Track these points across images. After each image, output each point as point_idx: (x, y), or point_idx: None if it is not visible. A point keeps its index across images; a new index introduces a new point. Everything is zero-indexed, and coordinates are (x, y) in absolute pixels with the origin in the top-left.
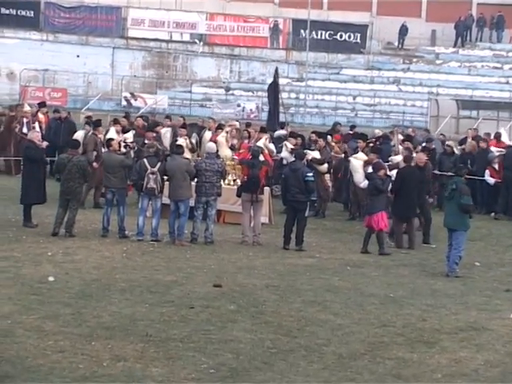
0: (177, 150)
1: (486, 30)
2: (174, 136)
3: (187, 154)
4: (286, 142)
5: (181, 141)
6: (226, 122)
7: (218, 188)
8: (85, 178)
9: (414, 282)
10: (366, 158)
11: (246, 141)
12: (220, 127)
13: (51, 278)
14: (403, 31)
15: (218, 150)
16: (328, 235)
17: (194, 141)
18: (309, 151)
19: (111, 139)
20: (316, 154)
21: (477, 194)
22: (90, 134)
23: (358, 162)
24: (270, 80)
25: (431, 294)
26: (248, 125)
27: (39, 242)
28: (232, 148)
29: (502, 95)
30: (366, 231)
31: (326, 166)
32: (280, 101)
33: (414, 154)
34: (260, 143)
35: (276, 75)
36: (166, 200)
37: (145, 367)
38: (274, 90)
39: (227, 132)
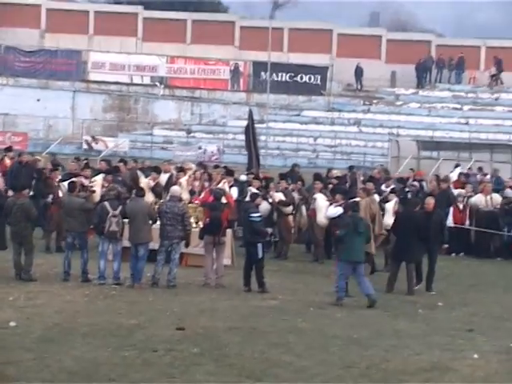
0: (138, 192)
1: (446, 72)
2: (135, 179)
3: (150, 197)
4: (250, 187)
5: (143, 182)
6: (183, 164)
7: (180, 231)
8: (31, 221)
9: (377, 322)
10: (323, 198)
11: (207, 183)
12: (181, 170)
13: (12, 323)
14: (358, 72)
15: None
16: (290, 277)
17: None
18: (275, 193)
19: (73, 182)
20: (281, 196)
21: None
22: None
23: (323, 201)
24: (231, 122)
25: (394, 334)
26: (216, 167)
27: (0, 287)
28: (193, 192)
29: (462, 136)
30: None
31: (291, 207)
32: (256, 142)
33: (376, 196)
34: (220, 186)
35: (250, 117)
36: (126, 243)
37: None
38: (250, 132)
39: (190, 176)
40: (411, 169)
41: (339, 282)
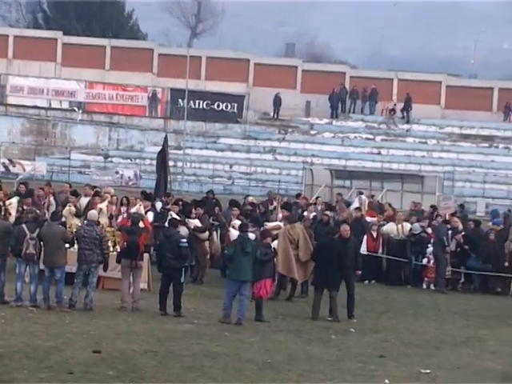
0: (53, 216)
1: (359, 102)
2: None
3: (75, 220)
4: (171, 212)
5: (65, 209)
6: (102, 188)
7: (98, 255)
8: None
9: (291, 347)
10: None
11: (124, 208)
12: (97, 194)
13: None
14: (277, 102)
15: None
16: (206, 301)
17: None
18: (190, 220)
19: None
20: (197, 222)
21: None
22: None
23: (235, 232)
24: (149, 148)
25: (308, 359)
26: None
27: None
28: (110, 217)
29: (374, 165)
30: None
31: (206, 233)
32: (168, 168)
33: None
34: (135, 209)
35: (165, 143)
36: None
37: None
38: (162, 157)
39: (109, 201)
40: (318, 197)
41: (226, 300)
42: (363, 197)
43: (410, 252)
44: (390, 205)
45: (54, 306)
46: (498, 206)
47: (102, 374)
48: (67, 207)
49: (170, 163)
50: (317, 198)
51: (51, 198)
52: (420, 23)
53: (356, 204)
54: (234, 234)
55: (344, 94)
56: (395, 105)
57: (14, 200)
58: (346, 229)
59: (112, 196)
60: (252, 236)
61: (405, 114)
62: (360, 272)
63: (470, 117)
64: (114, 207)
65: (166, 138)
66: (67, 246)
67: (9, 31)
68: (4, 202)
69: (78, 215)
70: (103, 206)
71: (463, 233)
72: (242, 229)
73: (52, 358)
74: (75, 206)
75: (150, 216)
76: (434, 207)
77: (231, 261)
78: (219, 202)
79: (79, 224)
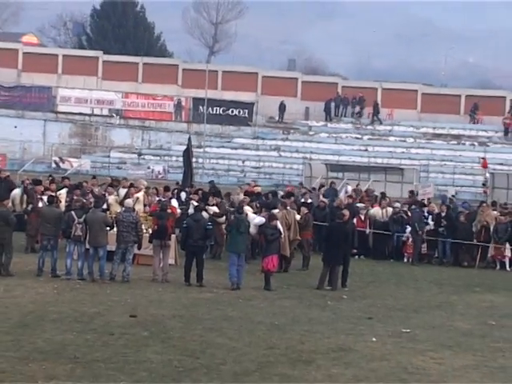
0: (96, 204)
1: (349, 108)
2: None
3: (117, 207)
4: (192, 201)
5: (111, 198)
6: (136, 180)
7: (133, 236)
8: (9, 226)
9: (294, 311)
10: (250, 210)
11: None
12: (132, 185)
13: None
14: (282, 108)
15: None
16: (223, 274)
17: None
18: (210, 207)
19: (53, 196)
20: (215, 209)
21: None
22: (29, 191)
23: (251, 214)
24: (175, 147)
25: (308, 321)
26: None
27: None
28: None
29: (362, 160)
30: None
31: (223, 218)
32: (191, 163)
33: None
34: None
35: (189, 143)
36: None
37: None
38: (187, 155)
39: (145, 192)
40: (322, 186)
41: (230, 270)
42: (349, 186)
43: (393, 230)
44: (383, 194)
45: (97, 279)
46: (465, 192)
47: (138, 335)
48: (113, 196)
49: (193, 159)
50: (321, 187)
51: (96, 189)
52: (400, 41)
53: (343, 192)
54: (251, 216)
55: (338, 101)
56: (361, 109)
57: (63, 191)
58: (345, 214)
59: (147, 187)
60: (262, 219)
61: (374, 118)
62: (355, 250)
63: (441, 119)
64: (149, 197)
65: (189, 139)
66: (108, 228)
67: (58, 51)
68: (56, 193)
69: (121, 203)
70: (140, 195)
71: (443, 214)
72: (238, 211)
73: (96, 321)
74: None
75: (175, 203)
76: (412, 192)
77: (230, 236)
78: (219, 192)
79: (118, 211)
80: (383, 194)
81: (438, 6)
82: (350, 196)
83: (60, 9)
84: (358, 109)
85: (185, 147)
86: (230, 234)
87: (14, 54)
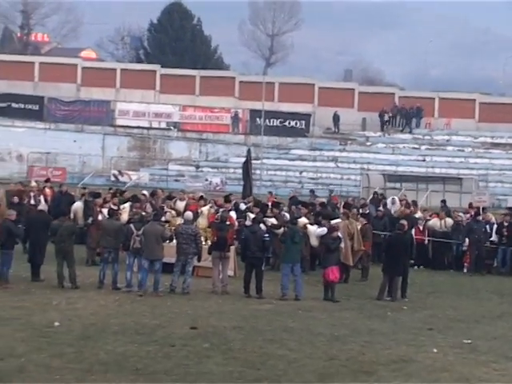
0: (155, 217)
1: (407, 118)
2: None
3: (177, 220)
4: (248, 213)
5: (167, 214)
6: (182, 191)
7: (193, 248)
8: (75, 239)
9: (354, 322)
10: (307, 221)
11: (213, 210)
12: (201, 198)
13: (56, 323)
14: (336, 118)
15: (194, 218)
16: None
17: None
18: (268, 218)
19: (113, 209)
20: (273, 221)
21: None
22: (88, 204)
23: (312, 227)
24: (232, 159)
25: (368, 332)
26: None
27: (46, 294)
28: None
29: (420, 170)
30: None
31: (282, 229)
32: (251, 175)
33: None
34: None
35: (248, 155)
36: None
37: None
38: (247, 167)
39: (211, 206)
40: (381, 193)
41: (282, 280)
42: (396, 198)
43: (457, 239)
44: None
45: (152, 292)
46: None
47: (199, 347)
48: (168, 213)
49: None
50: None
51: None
52: (457, 50)
53: (390, 203)
54: (312, 229)
55: (395, 112)
56: (390, 117)
57: (127, 205)
58: (404, 224)
59: (210, 200)
60: (324, 230)
61: (404, 125)
62: (413, 261)
63: (500, 128)
64: (212, 210)
65: (249, 151)
66: (168, 241)
67: (116, 65)
68: (119, 207)
69: (178, 215)
70: (205, 209)
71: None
72: (292, 222)
73: (157, 333)
74: (171, 208)
75: (234, 214)
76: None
77: (284, 247)
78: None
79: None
80: (444, 202)
81: (497, 15)
82: (408, 207)
83: (118, 23)
84: (387, 117)
85: (243, 159)
86: (284, 245)
87: (73, 69)
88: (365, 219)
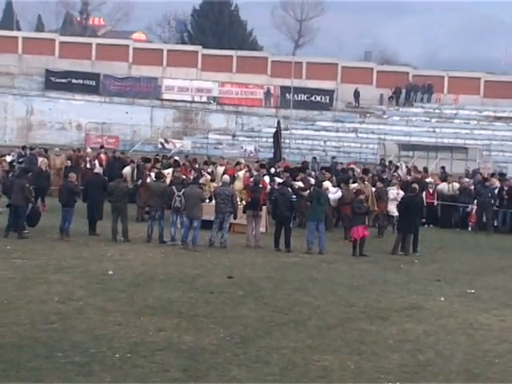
0: (193, 180)
1: (419, 94)
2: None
3: (213, 184)
4: (275, 178)
5: (203, 178)
6: (222, 159)
7: (229, 207)
8: (128, 199)
9: (371, 274)
10: (330, 184)
11: (248, 174)
12: (238, 163)
13: (111, 272)
14: (356, 94)
15: (231, 181)
16: None
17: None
18: (295, 182)
19: (160, 173)
20: (300, 184)
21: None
22: (139, 168)
23: (331, 188)
24: (264, 129)
25: (383, 282)
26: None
27: (101, 246)
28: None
29: (430, 140)
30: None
31: (307, 191)
32: (280, 144)
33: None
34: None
35: (278, 126)
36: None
37: (179, 336)
38: (277, 136)
39: (247, 170)
40: (393, 163)
41: (308, 236)
42: (403, 164)
43: (463, 201)
44: (443, 168)
45: (190, 247)
46: None
47: (234, 294)
48: (203, 178)
49: (281, 140)
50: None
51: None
52: (465, 34)
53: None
54: (332, 190)
55: (410, 88)
56: (394, 93)
57: (170, 170)
58: (416, 188)
59: (247, 166)
60: (339, 194)
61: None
62: (424, 220)
63: (502, 103)
64: (248, 174)
65: (278, 122)
66: (207, 201)
67: (163, 46)
68: (161, 171)
69: (212, 180)
70: (241, 173)
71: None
72: (318, 185)
73: (198, 281)
74: (208, 173)
75: (267, 179)
76: (474, 171)
77: (311, 206)
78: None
79: (215, 185)
80: (443, 168)
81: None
82: (419, 172)
83: (165, 9)
84: (391, 93)
85: (274, 130)
86: (310, 205)
87: (125, 50)
88: (381, 183)
